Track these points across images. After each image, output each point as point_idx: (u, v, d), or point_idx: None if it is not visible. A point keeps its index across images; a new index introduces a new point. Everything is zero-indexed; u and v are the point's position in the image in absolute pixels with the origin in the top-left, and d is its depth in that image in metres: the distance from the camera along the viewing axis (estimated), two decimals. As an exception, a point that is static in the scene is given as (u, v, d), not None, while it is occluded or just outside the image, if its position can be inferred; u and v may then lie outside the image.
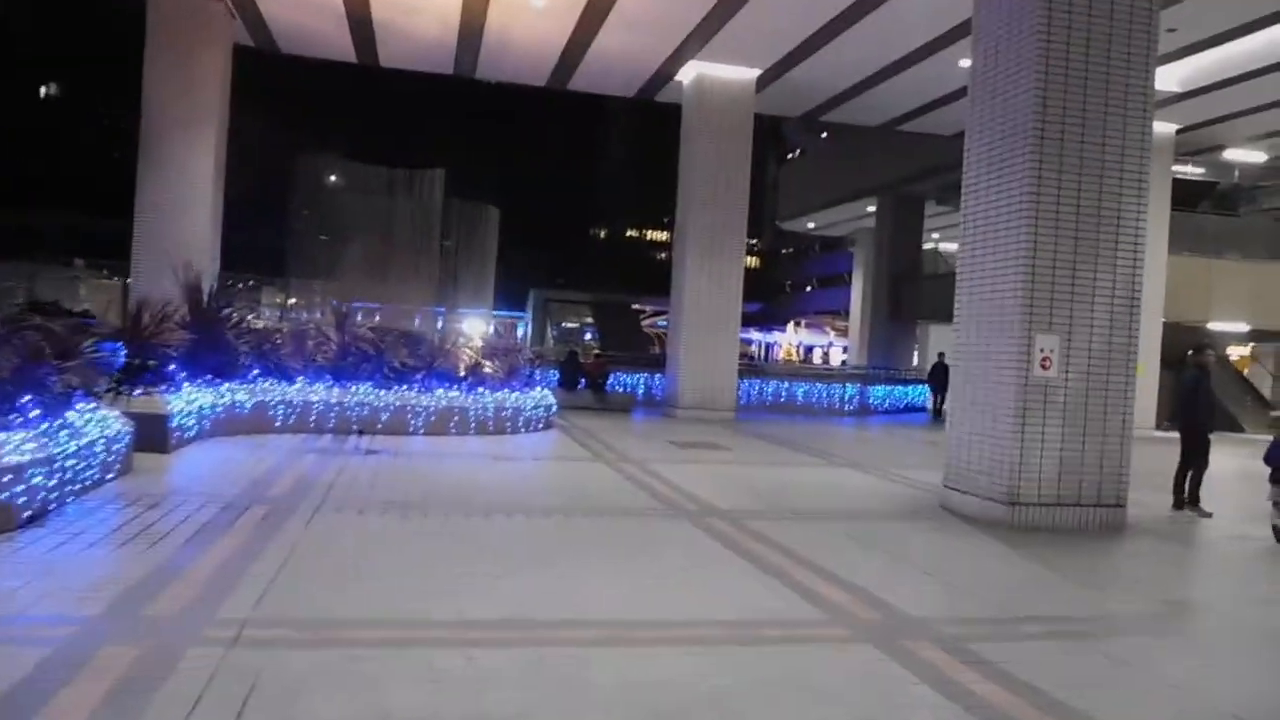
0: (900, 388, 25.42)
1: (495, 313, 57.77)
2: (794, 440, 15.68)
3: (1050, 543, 7.78)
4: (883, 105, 21.66)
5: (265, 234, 17.22)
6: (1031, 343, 8.33)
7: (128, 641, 3.96)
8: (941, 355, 22.90)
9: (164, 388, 10.40)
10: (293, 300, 15.86)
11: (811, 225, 40.47)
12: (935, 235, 36.21)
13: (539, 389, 15.59)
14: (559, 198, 68.88)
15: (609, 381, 20.91)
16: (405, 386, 13.68)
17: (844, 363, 51.07)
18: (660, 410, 19.99)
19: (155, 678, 3.61)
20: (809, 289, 69.57)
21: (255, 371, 12.93)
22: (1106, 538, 8.23)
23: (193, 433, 10.81)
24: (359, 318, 15.03)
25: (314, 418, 12.99)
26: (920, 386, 26.50)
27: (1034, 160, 8.38)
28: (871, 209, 33.65)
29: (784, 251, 72.94)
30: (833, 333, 61.29)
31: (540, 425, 14.90)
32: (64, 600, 4.51)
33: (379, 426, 13.21)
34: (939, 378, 21.81)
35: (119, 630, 4.14)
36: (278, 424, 12.68)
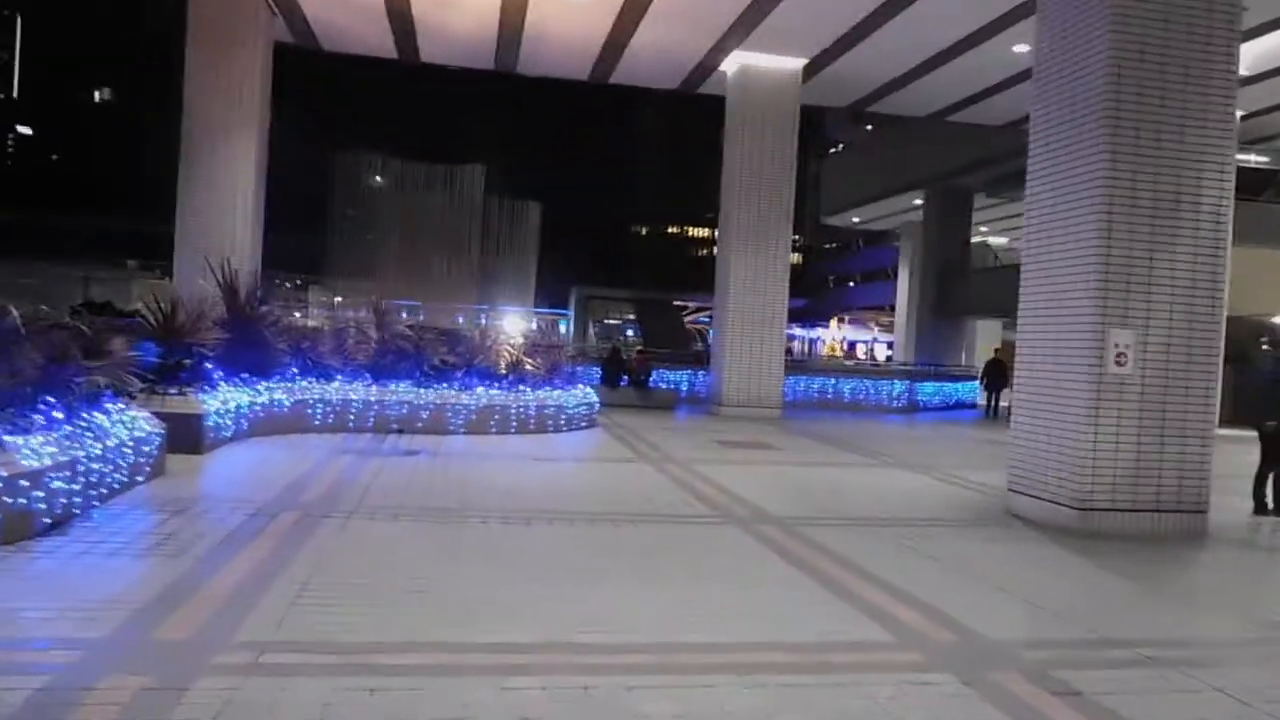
0: (949, 384, 24.72)
1: (537, 310, 57.83)
2: (844, 439, 15.17)
3: (1127, 552, 7.25)
4: (931, 95, 21.02)
5: (307, 233, 17.09)
6: (1106, 338, 7.79)
7: (133, 670, 3.63)
8: (996, 351, 22.24)
9: (200, 387, 10.20)
10: (339, 299, 15.58)
11: (856, 220, 39.74)
12: (984, 229, 35.38)
13: (581, 387, 15.25)
14: (600, 195, 68.77)
15: (652, 379, 20.52)
16: (445, 384, 13.41)
17: (889, 358, 50.25)
18: (704, 408, 19.57)
19: (155, 714, 3.27)
20: (852, 284, 68.66)
21: (294, 370, 12.73)
22: (1187, 546, 7.67)
23: (229, 433, 10.61)
24: (403, 315, 14.74)
25: (353, 416, 12.75)
26: (970, 383, 25.80)
27: (1108, 144, 7.83)
28: (918, 202, 32.88)
29: (827, 247, 72.08)
30: (877, 328, 60.40)
31: (583, 424, 14.56)
32: (71, 620, 4.20)
33: (418, 425, 12.96)
34: (993, 375, 21.14)
35: (125, 657, 3.82)
36: (316, 423, 12.46)
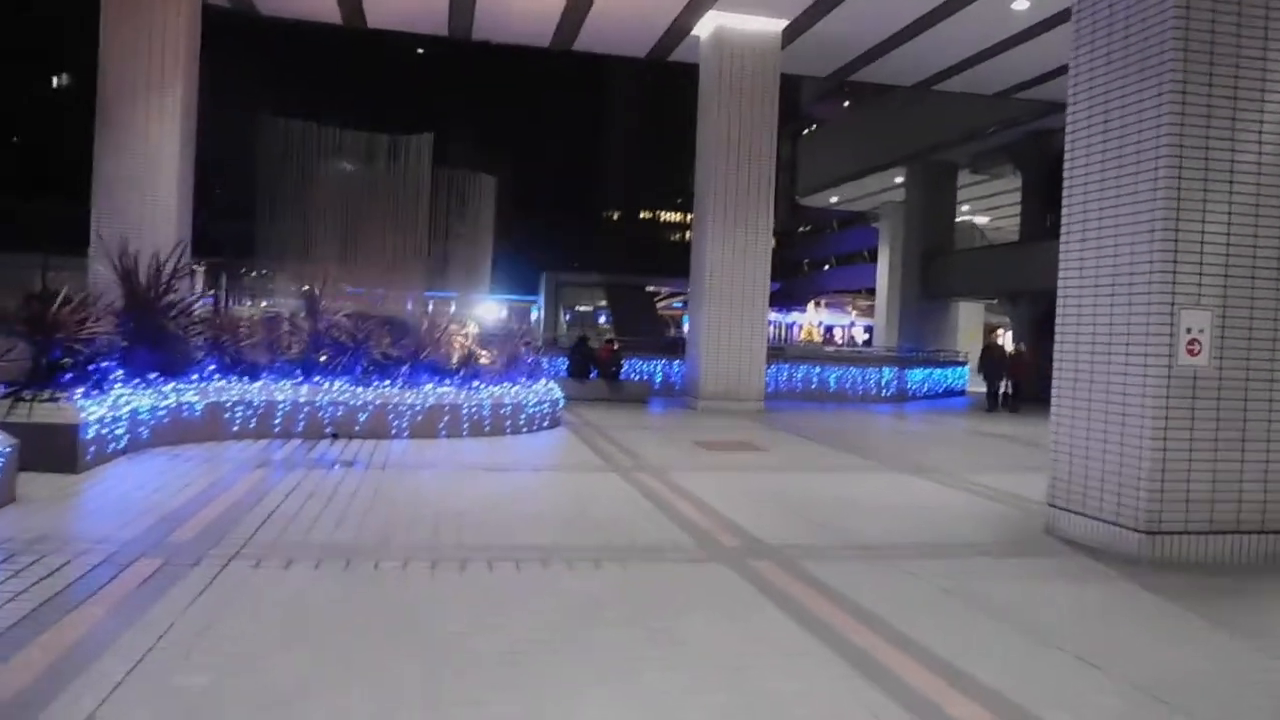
0: (938, 370, 23.34)
1: (507, 297, 56.05)
2: (837, 436, 13.70)
3: (1220, 590, 5.81)
4: (919, 61, 19.54)
5: (235, 212, 15.37)
6: (1176, 321, 6.33)
7: None
8: (994, 335, 20.90)
9: (84, 391, 8.55)
10: (304, 286, 13.85)
11: (834, 200, 38.30)
12: (965, 208, 34.05)
13: (543, 381, 13.67)
14: (572, 178, 66.92)
15: (624, 370, 18.95)
16: (388, 381, 11.79)
17: (867, 342, 48.98)
18: (680, 401, 18.06)
19: None
20: (827, 267, 67.39)
21: (211, 367, 11.10)
22: (1283, 578, 6.24)
23: (123, 443, 8.96)
24: (339, 302, 13.07)
25: (279, 420, 11.13)
26: (959, 369, 24.46)
27: (1176, 88, 6.35)
28: (899, 180, 31.47)
29: (801, 230, 70.70)
30: (854, 312, 59.24)
31: (545, 423, 13.00)
32: None
33: (356, 429, 11.36)
34: (993, 364, 19.69)
35: None
36: (235, 428, 10.83)
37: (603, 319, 55.22)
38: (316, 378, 11.56)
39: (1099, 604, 5.48)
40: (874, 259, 41.50)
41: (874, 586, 5.57)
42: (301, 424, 11.20)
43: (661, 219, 79.35)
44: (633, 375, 19.36)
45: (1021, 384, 19.39)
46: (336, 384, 11.53)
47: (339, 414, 11.36)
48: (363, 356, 12.05)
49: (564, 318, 55.85)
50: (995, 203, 32.76)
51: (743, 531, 6.94)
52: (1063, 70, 19.14)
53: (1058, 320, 7.32)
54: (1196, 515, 6.39)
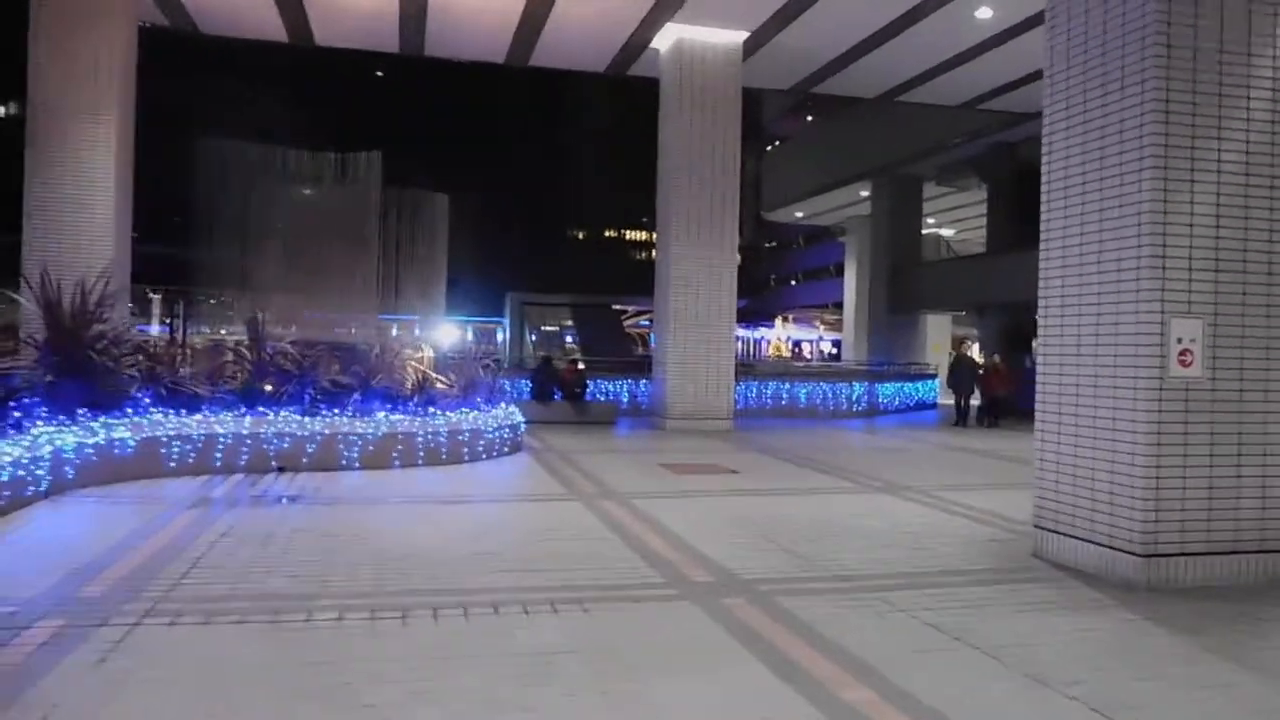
0: (909, 384, 23.05)
1: (471, 319, 55.33)
2: (809, 455, 13.27)
3: (1230, 619, 5.38)
4: (882, 72, 19.34)
5: (178, 237, 14.70)
6: (1166, 330, 5.95)
7: None
8: (964, 346, 20.62)
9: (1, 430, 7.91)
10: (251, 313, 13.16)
11: (800, 215, 38.17)
12: (930, 220, 33.99)
13: (503, 405, 13.12)
14: (535, 198, 66.43)
15: (589, 391, 18.43)
16: (337, 410, 11.19)
17: (834, 356, 48.80)
18: (647, 421, 17.58)
19: None
20: (794, 283, 67.35)
21: (146, 400, 10.45)
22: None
23: (44, 486, 8.31)
24: (291, 329, 12.48)
25: (221, 454, 10.49)
26: (929, 382, 24.22)
27: (1159, 86, 6.00)
28: (865, 194, 31.33)
29: (767, 245, 70.67)
30: (822, 326, 59.18)
31: (506, 449, 12.46)
32: None
33: (304, 461, 10.74)
34: (962, 377, 19.10)
35: None
36: (173, 465, 10.18)
37: (570, 339, 54.67)
38: (261, 408, 10.94)
39: (1103, 640, 5.03)
40: (840, 273, 41.39)
41: (858, 625, 5.10)
42: (245, 458, 10.57)
43: (628, 237, 79.13)
44: (598, 396, 18.85)
45: (999, 398, 18.72)
46: (282, 414, 10.91)
47: (285, 446, 10.75)
48: (310, 384, 11.45)
49: (530, 338, 55.24)
50: (961, 215, 32.74)
51: (713, 564, 6.45)
52: (1028, 79, 19.09)
53: (1040, 332, 6.93)
54: (1193, 536, 5.99)
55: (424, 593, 5.61)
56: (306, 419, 10.95)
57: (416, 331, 17.12)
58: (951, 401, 19.85)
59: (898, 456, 13.75)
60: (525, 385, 18.03)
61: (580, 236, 77.90)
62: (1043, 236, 6.90)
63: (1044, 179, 6.91)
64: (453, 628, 4.99)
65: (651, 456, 12.66)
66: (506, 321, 52.29)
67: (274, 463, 10.66)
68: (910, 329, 30.47)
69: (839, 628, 5.02)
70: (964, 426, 18.45)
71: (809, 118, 39.86)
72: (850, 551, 7.00)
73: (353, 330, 13.27)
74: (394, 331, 14.49)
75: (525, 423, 13.75)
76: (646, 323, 49.68)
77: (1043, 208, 6.91)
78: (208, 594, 5.48)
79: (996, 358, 19.15)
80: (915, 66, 18.84)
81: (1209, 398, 6.02)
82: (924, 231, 31.73)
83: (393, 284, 14.60)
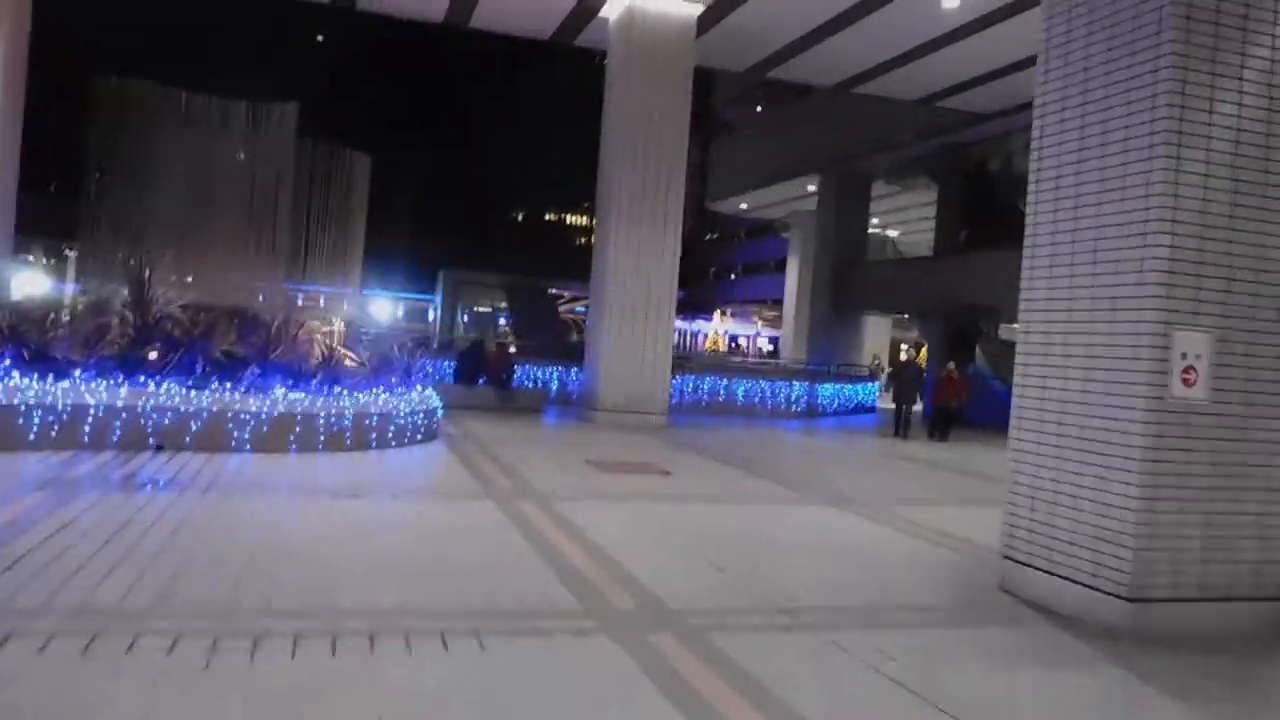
0: (849, 386, 22.44)
1: (402, 294, 53.60)
2: (746, 457, 12.46)
3: (1234, 680, 4.67)
4: (840, 60, 18.62)
5: (64, 186, 13.26)
6: (1171, 345, 5.20)
7: None
8: (909, 351, 19.96)
9: None
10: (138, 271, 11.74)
11: (744, 206, 37.44)
12: (875, 220, 33.51)
13: (419, 388, 12.03)
14: (476, 177, 64.76)
15: (515, 377, 17.39)
16: (229, 385, 10.01)
17: (771, 353, 48.35)
18: (576, 411, 16.60)
19: None
20: (734, 276, 66.86)
21: (6, 362, 9.21)
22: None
23: None
24: (178, 291, 11.23)
25: (90, 428, 9.27)
26: (869, 385, 23.66)
27: (1178, 63, 5.23)
28: (812, 188, 30.68)
29: (708, 237, 70.06)
30: (760, 322, 58.79)
31: (419, 436, 11.39)
32: None
33: (187, 440, 9.56)
34: (906, 383, 17.38)
35: None
36: (33, 437, 8.97)
37: (503, 320, 53.33)
38: (141, 378, 9.73)
39: (1091, 704, 4.25)
40: (781, 269, 40.86)
41: (806, 676, 4.24)
42: (118, 433, 9.36)
43: (567, 221, 77.95)
44: (526, 382, 17.83)
45: (950, 409, 16.73)
46: (165, 386, 9.70)
47: (165, 422, 9.55)
48: (200, 354, 10.27)
49: (462, 318, 53.77)
50: (908, 216, 32.31)
51: (640, 587, 5.54)
52: (987, 77, 18.50)
53: (1019, 342, 6.14)
54: (1187, 578, 5.26)
55: (287, 614, 4.61)
56: (192, 393, 9.76)
57: (345, 306, 15.84)
58: (892, 407, 18.57)
59: (842, 463, 13.02)
60: (452, 367, 16.94)
61: (519, 218, 76.51)
62: (1028, 232, 6.11)
63: (1033, 167, 6.12)
64: (314, 663, 4.00)
65: (578, 451, 11.71)
66: (439, 299, 50.78)
67: (152, 440, 9.47)
68: (850, 329, 29.94)
69: (784, 679, 4.15)
70: (904, 438, 16.47)
71: (758, 108, 39.12)
72: (795, 575, 6.15)
73: (260, 299, 12.00)
74: (302, 302, 13.19)
75: (445, 407, 12.71)
76: (583, 309, 48.61)
77: (1030, 199, 6.13)
78: (16, 605, 4.41)
79: (951, 365, 17.33)
80: (875, 56, 18.15)
81: (1212, 422, 5.29)
82: (870, 230, 31.20)
83: (306, 250, 13.31)
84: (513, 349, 19.23)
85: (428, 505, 7.96)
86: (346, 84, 55.12)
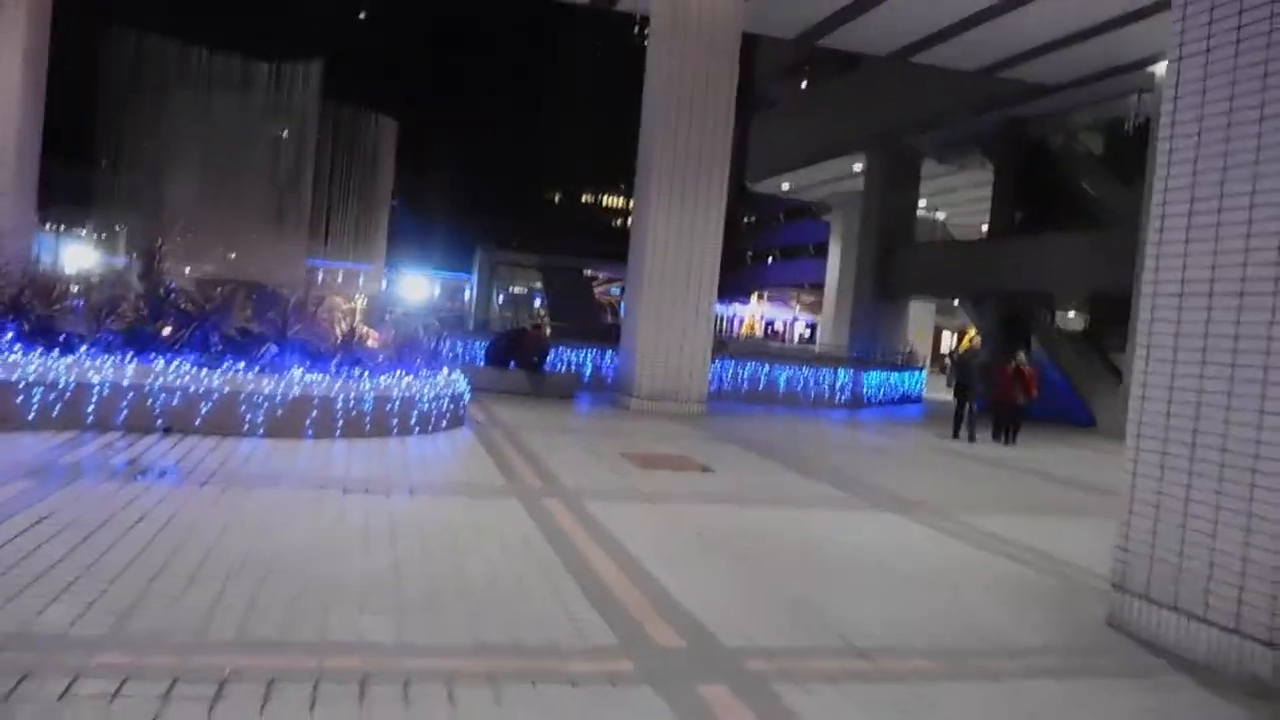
0: (895, 374, 21.42)
1: (437, 272, 53.06)
2: (795, 452, 11.60)
3: None
4: (897, 26, 17.56)
5: (78, 154, 12.53)
6: (1345, 339, 4.26)
7: None
8: (972, 341, 18.85)
9: None
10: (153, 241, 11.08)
11: (786, 186, 36.29)
12: (923, 202, 32.24)
13: (445, 370, 11.27)
14: (514, 155, 64.05)
15: (549, 361, 16.60)
16: (243, 364, 9.32)
17: (806, 338, 47.29)
18: (611, 398, 15.79)
19: None
20: (771, 260, 65.66)
21: (9, 336, 8.61)
22: None
23: None
24: (194, 264, 10.55)
25: (95, 407, 8.63)
26: (915, 374, 22.62)
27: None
28: (858, 168, 29.49)
29: (746, 220, 68.85)
30: (798, 306, 57.70)
31: (444, 422, 10.65)
32: None
33: (196, 423, 8.89)
34: (968, 375, 14.99)
35: None
36: (32, 416, 8.36)
37: (538, 301, 52.66)
38: (152, 355, 9.06)
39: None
40: (820, 253, 39.69)
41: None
42: (124, 412, 8.72)
43: (604, 203, 77.20)
44: (559, 366, 17.05)
45: (1019, 406, 14.55)
46: (175, 364, 9.03)
47: (175, 402, 8.89)
48: (214, 331, 9.60)
49: (498, 299, 53.17)
50: (959, 197, 31.04)
51: (684, 615, 4.72)
52: (1053, 46, 17.33)
53: (1141, 332, 5.21)
54: (1353, 626, 4.34)
55: (264, 647, 3.85)
56: (204, 371, 9.09)
57: (364, 282, 15.11)
58: (941, 396, 17.20)
59: (897, 460, 12.11)
60: (483, 348, 16.20)
61: (557, 199, 75.92)
62: (1156, 203, 5.16)
63: (1165, 129, 5.15)
64: (285, 724, 3.22)
65: (612, 442, 10.89)
66: (475, 279, 50.16)
67: (159, 422, 8.81)
68: (895, 315, 28.76)
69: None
70: (970, 440, 14.24)
71: (804, 83, 37.82)
72: (866, 603, 5.30)
73: (278, 272, 11.30)
74: (323, 278, 12.46)
75: (474, 390, 11.97)
76: (618, 290, 47.72)
77: (1160, 174, 5.17)
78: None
79: (1021, 355, 15.05)
80: (934, 22, 17.05)
81: (1386, 435, 4.35)
82: (919, 213, 29.94)
83: (328, 221, 12.53)
84: (547, 330, 18.44)
85: (446, 504, 7.18)
86: (381, 52, 54.56)
